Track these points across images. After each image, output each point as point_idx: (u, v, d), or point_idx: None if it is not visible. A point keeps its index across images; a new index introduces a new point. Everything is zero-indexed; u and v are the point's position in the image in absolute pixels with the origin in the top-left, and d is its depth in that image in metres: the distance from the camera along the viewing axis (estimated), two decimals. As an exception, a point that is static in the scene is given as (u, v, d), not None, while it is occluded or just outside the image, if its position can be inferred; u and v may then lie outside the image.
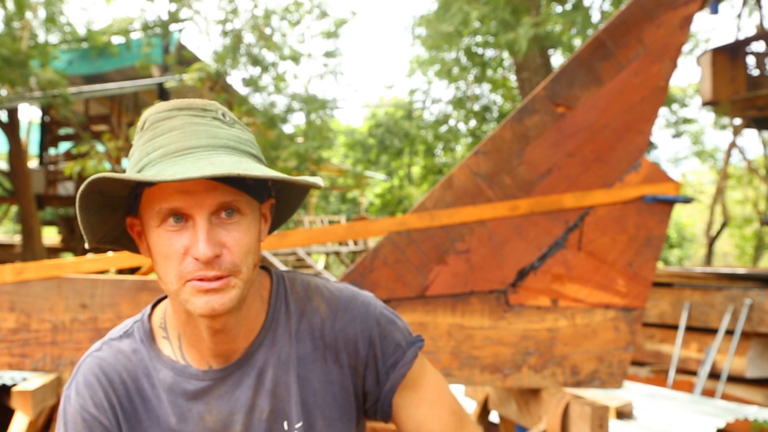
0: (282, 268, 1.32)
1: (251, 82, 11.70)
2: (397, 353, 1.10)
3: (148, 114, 0.98)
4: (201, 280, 0.92)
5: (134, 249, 1.09)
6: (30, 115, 16.25)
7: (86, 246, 1.06)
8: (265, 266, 1.12)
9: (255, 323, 1.05)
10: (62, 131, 12.54)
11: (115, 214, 1.02)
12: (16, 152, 10.09)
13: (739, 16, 11.92)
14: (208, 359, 1.04)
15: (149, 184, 0.92)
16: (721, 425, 3.33)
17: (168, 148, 0.93)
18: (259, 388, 1.04)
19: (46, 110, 12.07)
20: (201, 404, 1.03)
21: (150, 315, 1.10)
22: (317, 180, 0.97)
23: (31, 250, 10.07)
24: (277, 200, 1.10)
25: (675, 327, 6.44)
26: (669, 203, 2.19)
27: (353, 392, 1.09)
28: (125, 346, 1.07)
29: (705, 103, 10.47)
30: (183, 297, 0.94)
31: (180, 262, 0.93)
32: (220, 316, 0.95)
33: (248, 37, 11.73)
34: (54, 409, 2.37)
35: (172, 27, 11.92)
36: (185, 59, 11.80)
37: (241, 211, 0.95)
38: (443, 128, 16.65)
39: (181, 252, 0.92)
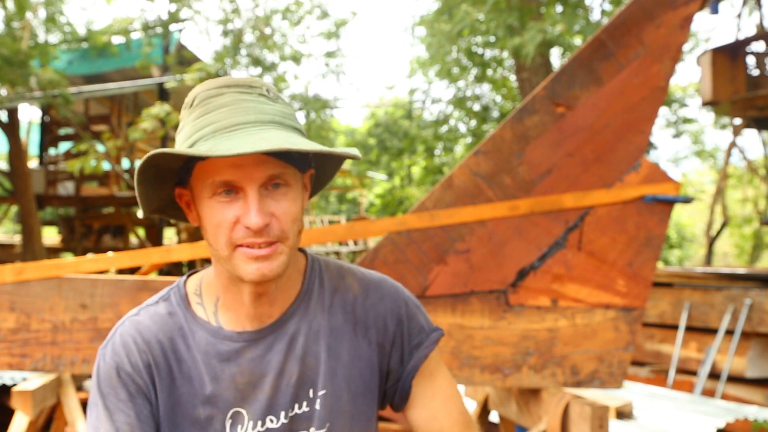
0: None
1: (251, 82, 11.66)
2: (421, 335, 1.16)
3: (197, 92, 1.04)
4: (251, 247, 0.98)
5: (179, 217, 1.16)
6: (30, 115, 16.26)
7: (140, 215, 1.13)
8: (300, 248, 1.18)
9: (291, 292, 1.11)
10: (62, 131, 12.53)
11: (167, 185, 1.08)
12: (16, 152, 10.08)
13: (739, 16, 11.91)
14: (244, 322, 1.09)
15: (203, 158, 0.98)
16: (721, 425, 3.33)
17: (219, 124, 0.98)
18: (289, 353, 1.08)
19: (46, 110, 12.06)
20: (233, 365, 1.07)
21: (185, 282, 1.15)
22: (355, 151, 1.02)
23: (31, 250, 10.07)
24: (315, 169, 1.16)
25: (675, 327, 6.44)
26: (669, 203, 2.19)
27: (378, 369, 1.14)
28: (161, 309, 1.11)
29: (705, 103, 10.47)
30: (233, 263, 1.00)
31: (231, 230, 0.99)
32: (266, 282, 1.01)
33: (249, 37, 11.73)
34: (54, 409, 2.37)
35: (173, 27, 11.91)
36: (185, 59, 11.80)
37: (287, 182, 1.01)
38: (443, 128, 16.64)
39: (232, 221, 0.98)
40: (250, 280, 1.00)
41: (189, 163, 1.02)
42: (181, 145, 1.01)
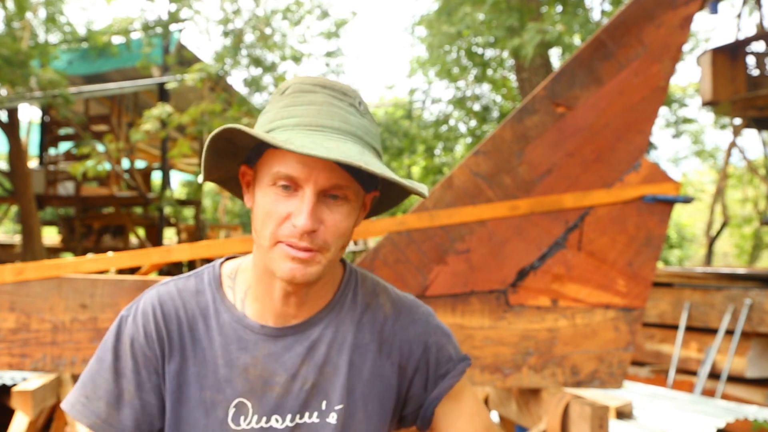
0: None
1: (252, 83, 11.70)
2: (448, 365, 1.16)
3: (293, 82, 1.04)
4: (291, 246, 0.98)
5: (236, 193, 1.17)
6: (30, 115, 16.26)
7: (200, 180, 1.14)
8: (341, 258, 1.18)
9: (321, 299, 1.11)
10: (62, 131, 12.53)
11: (233, 161, 1.09)
12: (16, 152, 10.08)
13: (739, 16, 11.91)
14: (267, 317, 1.09)
15: (275, 146, 0.98)
16: (721, 425, 3.33)
17: (302, 119, 0.98)
18: (307, 358, 1.08)
19: (46, 110, 12.06)
20: (248, 356, 1.07)
21: (222, 264, 1.15)
22: (423, 188, 1.02)
23: (31, 250, 10.07)
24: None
25: (675, 327, 6.44)
26: (669, 203, 2.19)
27: (396, 392, 1.13)
28: (191, 285, 1.13)
29: (705, 103, 10.46)
30: (271, 256, 1.00)
31: (279, 224, 0.99)
32: (296, 283, 1.01)
33: (249, 37, 11.72)
34: (54, 409, 2.37)
35: (173, 27, 11.91)
36: (186, 59, 11.79)
37: (347, 196, 1.01)
38: (443, 128, 16.63)
39: (283, 216, 0.99)
40: (281, 277, 1.00)
41: (261, 146, 1.02)
42: (261, 127, 1.02)
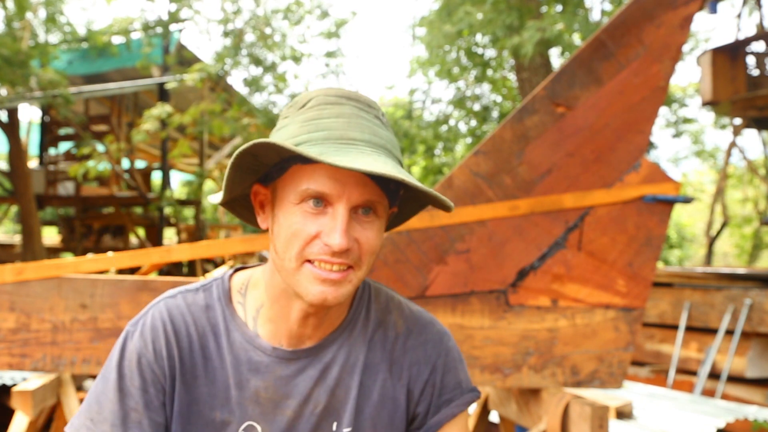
0: None
1: (252, 83, 11.70)
2: (455, 391, 1.11)
3: (315, 94, 0.99)
4: (322, 266, 0.93)
5: (244, 216, 1.11)
6: (30, 115, 16.26)
7: (217, 201, 1.08)
8: None
9: (336, 318, 1.07)
10: (62, 131, 12.53)
11: (252, 178, 1.03)
12: (16, 152, 10.08)
13: (739, 16, 11.91)
14: (282, 339, 1.05)
15: (303, 161, 0.94)
16: (721, 425, 3.33)
17: (332, 133, 0.94)
18: (320, 381, 1.05)
19: (46, 110, 12.06)
20: (260, 379, 1.04)
21: (231, 276, 1.11)
22: (450, 204, 0.98)
23: (31, 250, 10.07)
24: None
25: (675, 327, 6.44)
26: (669, 203, 2.19)
27: (404, 412, 1.09)
28: (200, 299, 1.07)
29: (705, 103, 10.46)
30: (297, 278, 0.95)
31: (307, 243, 0.94)
32: (326, 306, 0.96)
33: (249, 37, 11.72)
34: (54, 409, 2.37)
35: (173, 27, 11.90)
36: (186, 59, 11.79)
37: (377, 212, 0.97)
38: (443, 128, 16.63)
39: (312, 234, 0.94)
40: (310, 301, 0.95)
41: (285, 163, 0.96)
42: (282, 141, 0.95)
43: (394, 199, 1.02)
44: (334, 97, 0.98)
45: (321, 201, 0.94)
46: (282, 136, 0.97)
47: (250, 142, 0.91)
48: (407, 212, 1.15)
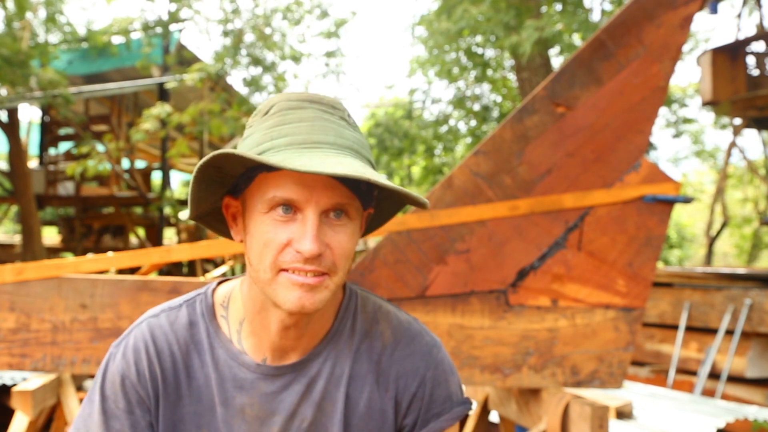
0: None
1: (252, 82, 11.70)
2: (445, 405, 1.08)
3: (276, 100, 0.98)
4: (297, 273, 0.91)
5: (220, 230, 1.10)
6: (30, 115, 16.26)
7: (186, 216, 1.08)
8: None
9: (320, 329, 1.05)
10: (62, 131, 12.54)
11: (220, 191, 1.01)
12: (16, 152, 10.08)
13: (739, 16, 11.91)
14: (266, 352, 1.03)
15: (268, 169, 0.92)
16: (721, 425, 3.33)
17: (295, 138, 0.92)
18: (306, 396, 1.03)
19: (46, 110, 12.06)
20: (245, 395, 1.02)
21: (214, 290, 1.09)
22: (425, 201, 0.95)
23: (31, 250, 10.07)
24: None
25: (675, 327, 6.44)
26: (669, 203, 2.19)
27: (392, 424, 1.07)
28: (183, 316, 1.06)
29: (705, 103, 10.46)
30: (273, 287, 0.93)
31: (279, 251, 0.92)
32: (303, 313, 0.95)
33: (249, 37, 11.72)
34: (54, 409, 2.37)
35: (173, 27, 11.91)
36: (185, 59, 11.80)
37: (349, 214, 0.95)
38: (443, 128, 16.63)
39: (284, 242, 0.92)
40: (288, 309, 0.93)
41: (251, 173, 0.95)
42: (247, 150, 0.94)
43: (369, 200, 1.00)
44: (296, 101, 0.96)
45: (290, 208, 0.92)
46: (247, 144, 0.96)
47: (210, 154, 0.90)
48: (386, 213, 1.13)
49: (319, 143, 0.92)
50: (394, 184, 1.14)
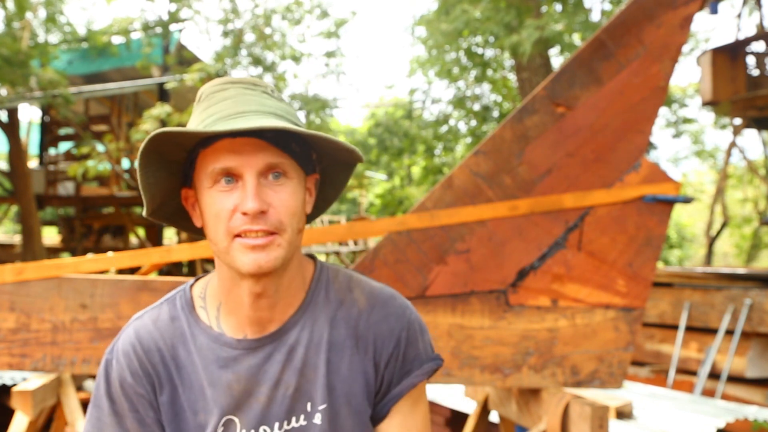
0: None
1: (251, 82, 11.68)
2: (415, 362, 1.13)
3: (204, 88, 1.07)
4: (248, 235, 0.98)
5: (188, 228, 1.15)
6: (30, 115, 16.26)
7: (144, 214, 1.12)
8: (311, 254, 1.18)
9: (294, 299, 1.10)
10: (62, 131, 12.54)
11: (171, 180, 1.08)
12: (16, 152, 10.09)
13: (739, 16, 11.92)
14: (245, 328, 1.08)
15: (204, 146, 1.00)
16: (721, 425, 3.33)
17: (221, 113, 1.00)
18: (287, 364, 1.08)
19: (46, 110, 12.06)
20: (230, 372, 1.07)
21: (192, 286, 1.15)
22: (356, 150, 1.04)
23: (31, 250, 10.07)
24: (321, 181, 1.16)
25: (675, 327, 6.44)
26: (669, 203, 2.19)
27: (374, 386, 1.12)
28: (164, 313, 1.12)
29: (705, 103, 10.47)
30: (231, 254, 1.00)
31: (229, 218, 0.99)
32: (263, 276, 1.00)
33: (249, 37, 11.73)
34: (54, 409, 2.37)
35: (173, 27, 11.91)
36: (185, 59, 11.80)
37: (287, 174, 1.01)
38: (443, 128, 16.64)
39: (231, 209, 0.98)
40: (247, 271, 0.98)
41: (193, 155, 1.02)
42: (176, 128, 1.01)
43: (308, 163, 1.06)
44: (219, 85, 1.05)
45: (231, 177, 0.99)
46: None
47: (146, 139, 0.97)
48: (337, 177, 1.17)
49: (242, 112, 1.00)
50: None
